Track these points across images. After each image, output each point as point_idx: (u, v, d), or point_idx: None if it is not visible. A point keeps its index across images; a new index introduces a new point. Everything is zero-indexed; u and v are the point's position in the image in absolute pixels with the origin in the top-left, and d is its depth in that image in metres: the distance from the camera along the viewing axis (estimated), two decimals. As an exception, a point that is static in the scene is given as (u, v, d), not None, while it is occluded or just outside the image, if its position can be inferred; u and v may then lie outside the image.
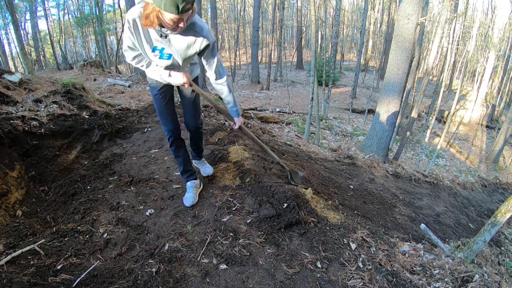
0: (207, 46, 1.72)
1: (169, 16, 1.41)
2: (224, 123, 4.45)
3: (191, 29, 1.62)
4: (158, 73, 1.83)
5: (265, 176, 2.64)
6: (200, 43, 1.69)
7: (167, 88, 2.03)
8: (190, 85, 1.89)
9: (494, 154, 11.16)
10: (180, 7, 1.37)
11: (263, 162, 2.96)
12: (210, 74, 1.89)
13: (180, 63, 1.78)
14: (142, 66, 1.82)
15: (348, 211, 2.56)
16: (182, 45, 1.68)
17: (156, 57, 1.74)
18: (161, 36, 1.64)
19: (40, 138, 2.97)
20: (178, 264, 1.68)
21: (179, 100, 2.40)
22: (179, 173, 2.38)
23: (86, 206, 2.25)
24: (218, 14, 21.96)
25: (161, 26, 1.56)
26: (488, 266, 2.11)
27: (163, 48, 1.70)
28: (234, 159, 2.94)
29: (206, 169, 2.57)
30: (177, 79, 1.82)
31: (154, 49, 1.70)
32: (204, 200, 2.28)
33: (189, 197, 2.22)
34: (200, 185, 2.38)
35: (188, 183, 2.29)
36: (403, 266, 1.82)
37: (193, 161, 2.60)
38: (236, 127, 2.16)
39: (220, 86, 1.96)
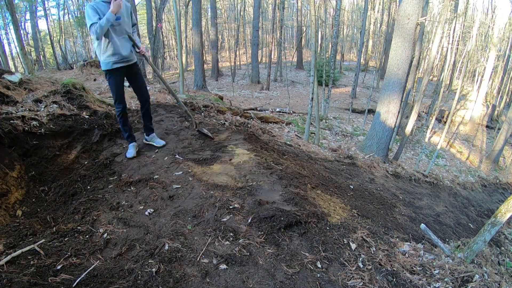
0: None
1: None
2: (224, 123, 4.45)
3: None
4: (102, 22, 2.51)
5: (265, 177, 2.64)
6: (128, 7, 2.77)
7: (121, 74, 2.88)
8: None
9: (494, 154, 11.15)
10: None
11: (264, 162, 2.96)
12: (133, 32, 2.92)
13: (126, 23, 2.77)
14: (100, 27, 2.52)
15: (348, 211, 2.56)
16: (124, 10, 2.71)
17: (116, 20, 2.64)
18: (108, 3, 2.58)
19: (40, 138, 2.97)
20: (178, 264, 1.68)
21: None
22: (125, 138, 3.16)
23: (86, 206, 2.25)
24: (218, 14, 21.97)
25: None
26: (488, 266, 2.11)
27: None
28: (235, 159, 2.94)
29: (160, 141, 3.30)
30: (114, 7, 2.53)
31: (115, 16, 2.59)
32: (204, 200, 2.29)
33: (131, 152, 3.05)
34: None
35: (131, 144, 3.13)
36: (403, 266, 1.82)
37: (146, 138, 3.31)
38: (142, 51, 2.93)
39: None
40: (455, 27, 13.10)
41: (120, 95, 2.87)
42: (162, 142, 3.28)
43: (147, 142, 3.31)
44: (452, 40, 13.31)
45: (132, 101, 4.74)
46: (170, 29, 27.08)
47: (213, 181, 2.55)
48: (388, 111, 5.75)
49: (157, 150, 3.19)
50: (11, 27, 16.98)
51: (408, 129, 7.11)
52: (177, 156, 3.00)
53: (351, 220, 2.32)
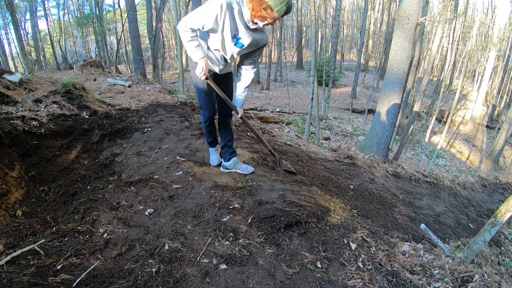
0: (265, 44, 2.15)
1: (276, 15, 1.80)
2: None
3: (263, 30, 2.05)
4: (196, 51, 2.00)
5: (265, 177, 2.64)
6: (264, 41, 2.12)
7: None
8: (206, 79, 2.13)
9: (494, 154, 11.15)
10: (285, 13, 1.82)
11: (264, 163, 2.96)
12: (250, 63, 2.24)
13: (244, 53, 2.15)
14: (194, 40, 1.98)
15: (348, 211, 2.56)
16: (257, 40, 2.06)
17: (232, 43, 2.02)
18: (245, 27, 1.94)
19: (40, 138, 2.97)
20: (178, 264, 1.68)
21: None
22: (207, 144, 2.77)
23: (86, 206, 2.25)
24: (218, 14, 21.92)
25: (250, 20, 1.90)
26: (488, 266, 2.11)
27: (240, 38, 2.00)
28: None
29: (247, 168, 2.70)
30: (199, 68, 2.05)
31: (234, 36, 1.98)
32: (204, 200, 2.29)
33: (215, 159, 2.74)
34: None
35: (212, 149, 2.77)
36: (403, 266, 1.82)
37: (226, 165, 2.67)
38: (238, 116, 2.39)
39: (252, 73, 2.28)
40: (455, 27, 13.10)
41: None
42: (251, 169, 2.67)
43: (228, 171, 2.67)
44: (452, 40, 13.31)
45: (132, 101, 4.75)
46: (170, 29, 27.07)
47: (213, 181, 2.55)
48: (388, 111, 5.75)
49: (157, 150, 3.19)
50: (11, 27, 17.00)
51: (408, 125, 7.12)
52: (177, 157, 3.00)
53: (351, 220, 2.32)
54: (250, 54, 2.18)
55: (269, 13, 1.78)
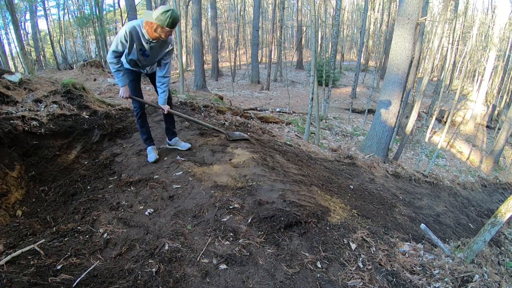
0: (171, 50, 2.67)
1: (167, 30, 2.30)
2: (224, 123, 4.45)
3: (166, 41, 2.51)
4: (119, 81, 2.62)
5: (265, 177, 2.64)
6: (167, 47, 2.61)
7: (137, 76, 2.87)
8: (127, 98, 2.70)
9: (494, 154, 11.15)
10: (174, 24, 2.28)
11: (264, 163, 2.96)
12: (162, 70, 2.74)
13: (155, 60, 2.71)
14: (117, 65, 2.56)
15: (348, 211, 2.56)
16: (159, 49, 2.58)
17: (141, 55, 2.56)
18: (147, 43, 2.48)
19: (40, 138, 2.97)
20: (178, 264, 1.68)
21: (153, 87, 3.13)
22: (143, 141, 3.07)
23: (86, 206, 2.25)
24: (218, 14, 21.97)
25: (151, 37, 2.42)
26: (488, 266, 2.11)
27: (146, 50, 2.54)
28: (235, 159, 2.94)
29: (185, 145, 3.19)
30: (120, 93, 2.66)
31: (140, 49, 2.52)
32: (204, 200, 2.29)
33: (153, 156, 2.95)
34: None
35: (149, 147, 3.04)
36: (403, 266, 1.82)
37: (169, 142, 3.21)
38: (165, 112, 2.86)
39: (166, 80, 2.77)
40: (455, 27, 13.10)
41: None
42: (188, 145, 3.17)
43: (171, 147, 3.19)
44: (452, 40, 13.31)
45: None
46: (170, 29, 26.97)
47: (213, 181, 2.55)
48: (388, 111, 5.75)
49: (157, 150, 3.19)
50: (11, 27, 16.98)
51: (409, 128, 7.12)
52: (177, 157, 3.00)
53: (351, 220, 2.32)
54: (161, 59, 2.69)
55: (160, 31, 2.28)
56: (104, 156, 3.09)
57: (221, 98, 9.27)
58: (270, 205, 2.19)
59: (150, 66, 2.82)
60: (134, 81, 2.79)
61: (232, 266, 1.70)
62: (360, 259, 1.82)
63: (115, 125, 3.58)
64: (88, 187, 2.60)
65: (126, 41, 2.44)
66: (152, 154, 2.97)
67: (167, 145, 3.22)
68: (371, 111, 11.25)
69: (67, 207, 2.32)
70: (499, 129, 12.83)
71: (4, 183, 2.39)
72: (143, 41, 2.46)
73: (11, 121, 2.84)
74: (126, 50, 2.51)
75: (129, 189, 2.47)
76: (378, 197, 3.57)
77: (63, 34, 19.74)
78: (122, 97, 2.67)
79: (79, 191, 2.55)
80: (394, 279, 1.69)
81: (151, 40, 2.42)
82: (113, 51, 2.49)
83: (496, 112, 16.60)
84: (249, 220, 2.05)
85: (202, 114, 4.87)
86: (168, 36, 2.38)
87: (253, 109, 8.86)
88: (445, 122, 10.82)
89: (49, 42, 16.97)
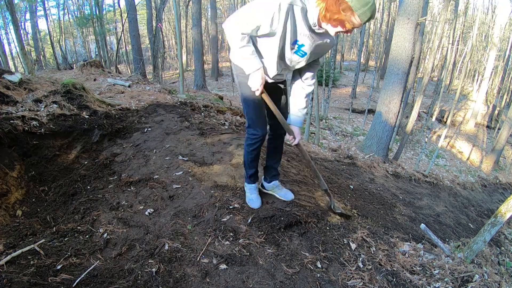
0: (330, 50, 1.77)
1: (357, 21, 1.35)
2: (224, 123, 4.45)
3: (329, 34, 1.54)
4: (250, 61, 1.61)
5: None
6: (330, 46, 1.68)
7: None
8: (261, 93, 1.72)
9: (494, 154, 11.15)
10: (368, 19, 1.37)
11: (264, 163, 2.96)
12: (309, 73, 1.81)
13: (304, 63, 1.70)
14: (247, 46, 1.58)
15: (348, 211, 2.56)
16: (322, 46, 1.63)
17: (292, 51, 1.61)
18: (309, 30, 1.51)
19: (40, 138, 2.97)
20: (178, 264, 1.68)
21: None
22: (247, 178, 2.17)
23: (86, 206, 2.25)
24: (218, 14, 21.97)
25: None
26: (488, 266, 2.11)
27: (303, 45, 1.58)
28: (235, 159, 2.94)
29: (288, 195, 2.24)
30: (253, 82, 1.66)
31: (295, 42, 1.57)
32: (204, 200, 2.29)
33: (257, 202, 2.16)
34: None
35: (254, 185, 2.20)
36: (403, 266, 1.82)
37: (267, 185, 2.27)
38: (296, 142, 1.88)
39: (312, 84, 1.85)
40: (455, 27, 13.10)
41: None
42: (291, 196, 2.23)
43: (266, 191, 2.29)
44: (452, 40, 13.31)
45: (132, 101, 4.75)
46: (170, 29, 27.07)
47: (213, 181, 2.55)
48: (388, 111, 5.76)
49: (157, 150, 3.19)
50: (11, 27, 16.99)
51: (409, 127, 7.12)
52: (178, 157, 3.00)
53: (351, 220, 2.32)
54: (311, 63, 1.75)
55: (349, 17, 1.34)
56: (104, 156, 3.09)
57: (221, 98, 9.28)
58: (270, 205, 2.19)
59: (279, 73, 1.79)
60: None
61: (232, 266, 1.70)
62: (360, 259, 1.82)
63: (115, 125, 3.58)
64: (88, 187, 2.60)
65: (276, 22, 1.45)
66: (255, 194, 2.16)
67: (259, 187, 2.29)
68: (371, 111, 11.25)
69: (67, 207, 2.32)
70: (499, 129, 12.83)
71: (4, 183, 2.39)
72: (303, 24, 1.49)
73: (11, 121, 2.84)
74: (263, 38, 1.59)
75: (129, 189, 2.47)
76: (378, 197, 3.57)
77: (63, 34, 19.73)
78: (254, 88, 1.66)
79: (79, 191, 2.55)
80: (394, 279, 1.69)
81: (317, 27, 1.50)
82: (241, 33, 1.53)
83: (496, 112, 16.60)
84: (249, 220, 2.05)
85: (202, 114, 4.87)
86: (349, 32, 1.45)
87: (253, 109, 8.83)
88: (445, 122, 10.83)
89: (49, 42, 16.96)
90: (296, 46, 1.59)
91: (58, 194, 2.52)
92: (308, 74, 1.81)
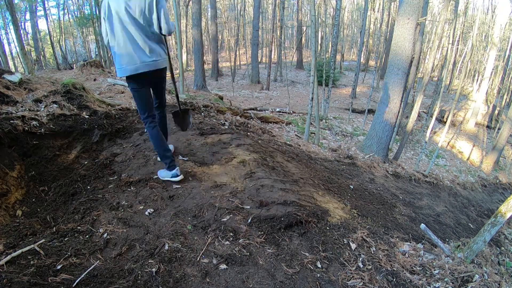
0: None
1: None
2: (224, 123, 4.45)
3: None
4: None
5: (265, 177, 2.64)
6: None
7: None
8: None
9: (494, 154, 11.14)
10: None
11: (264, 163, 2.96)
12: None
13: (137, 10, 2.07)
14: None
15: (348, 211, 2.56)
16: None
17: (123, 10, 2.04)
18: None
19: (40, 138, 2.97)
20: (178, 264, 1.68)
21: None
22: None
23: (86, 206, 2.24)
24: (218, 14, 21.96)
25: None
26: (488, 266, 2.11)
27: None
28: (235, 159, 2.94)
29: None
30: None
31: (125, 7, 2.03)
32: (204, 200, 2.29)
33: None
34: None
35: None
36: (403, 266, 1.82)
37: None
38: None
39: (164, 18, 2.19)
40: (455, 26, 13.09)
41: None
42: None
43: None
44: (452, 40, 13.30)
45: (132, 101, 4.74)
46: (170, 29, 26.93)
47: (213, 181, 2.55)
48: (388, 111, 5.75)
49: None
50: (11, 27, 16.97)
51: (409, 127, 7.12)
52: (178, 157, 3.00)
53: (351, 220, 2.32)
54: (148, 12, 2.10)
55: None
56: (104, 156, 3.09)
57: (221, 98, 9.28)
58: (270, 205, 2.19)
59: (149, 49, 2.25)
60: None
61: (232, 266, 1.70)
62: (360, 259, 1.82)
63: (115, 125, 3.58)
64: (88, 187, 2.60)
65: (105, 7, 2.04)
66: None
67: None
68: (371, 111, 11.25)
69: (67, 207, 2.32)
70: (499, 129, 12.83)
71: (4, 183, 2.39)
72: None
73: (11, 121, 2.84)
74: (107, 22, 2.09)
75: (129, 189, 2.47)
76: (378, 197, 3.57)
77: (63, 34, 19.74)
78: None
79: (79, 191, 2.55)
80: (394, 279, 1.69)
81: None
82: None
83: (496, 111, 16.60)
84: (249, 220, 2.05)
85: (202, 114, 4.87)
86: None
87: (253, 109, 8.86)
88: (445, 122, 10.82)
89: (49, 42, 16.97)
90: (123, 5, 2.08)
91: (58, 194, 2.52)
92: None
